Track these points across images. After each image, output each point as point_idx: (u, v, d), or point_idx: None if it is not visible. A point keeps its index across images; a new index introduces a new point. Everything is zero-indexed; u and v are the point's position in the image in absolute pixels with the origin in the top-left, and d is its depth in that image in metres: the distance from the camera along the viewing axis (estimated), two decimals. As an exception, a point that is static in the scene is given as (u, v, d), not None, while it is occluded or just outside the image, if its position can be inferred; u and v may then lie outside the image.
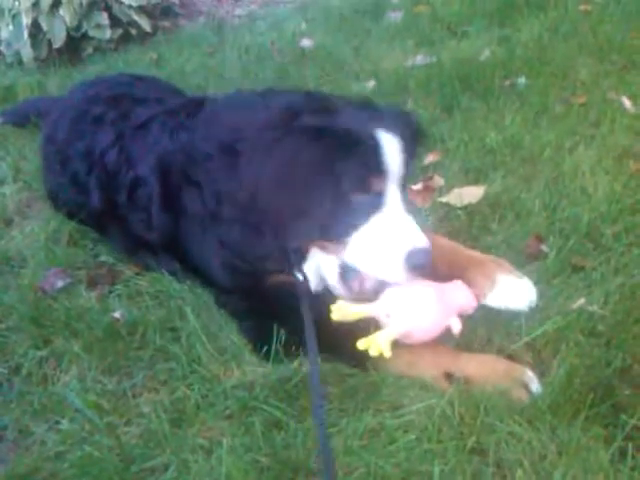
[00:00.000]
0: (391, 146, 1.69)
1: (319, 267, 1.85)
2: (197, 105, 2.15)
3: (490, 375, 1.61)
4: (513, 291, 1.84)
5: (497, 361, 1.67)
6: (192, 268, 2.05)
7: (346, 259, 1.74)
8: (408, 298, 1.68)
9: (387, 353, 1.58)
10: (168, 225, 2.03)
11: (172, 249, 2.06)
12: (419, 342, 1.67)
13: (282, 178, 1.66)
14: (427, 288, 1.70)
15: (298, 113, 1.72)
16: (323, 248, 1.79)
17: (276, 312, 1.80)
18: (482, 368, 1.63)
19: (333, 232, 1.71)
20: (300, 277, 1.79)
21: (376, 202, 1.69)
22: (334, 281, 1.82)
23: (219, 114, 2.00)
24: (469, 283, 1.78)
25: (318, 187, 1.65)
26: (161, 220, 2.04)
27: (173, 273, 2.11)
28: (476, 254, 1.97)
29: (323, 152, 1.65)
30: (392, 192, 1.70)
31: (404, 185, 1.74)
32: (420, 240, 1.64)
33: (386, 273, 1.68)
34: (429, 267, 1.67)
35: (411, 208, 1.75)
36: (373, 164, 1.67)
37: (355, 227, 1.69)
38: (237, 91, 2.29)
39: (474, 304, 1.74)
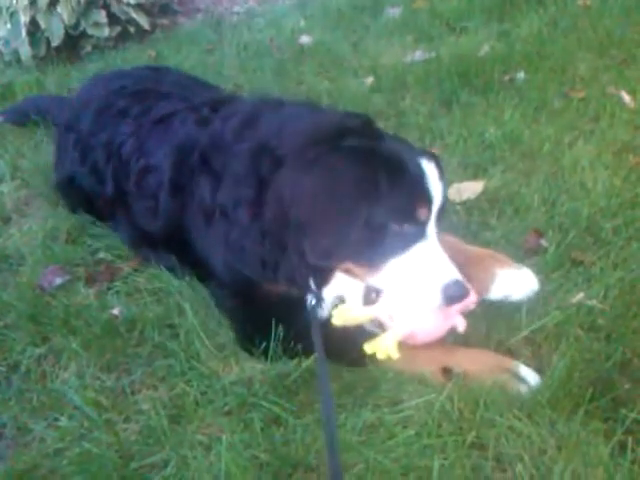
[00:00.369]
0: (434, 175, 1.65)
1: (338, 290, 1.77)
2: (221, 102, 2.14)
3: (483, 369, 1.62)
4: (514, 282, 1.85)
5: (490, 355, 1.68)
6: (191, 259, 2.02)
7: (373, 283, 1.67)
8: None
9: (395, 355, 1.57)
10: (175, 209, 1.99)
11: (174, 238, 2.03)
12: (423, 343, 1.65)
13: (323, 195, 1.61)
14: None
15: (344, 132, 1.68)
16: (349, 272, 1.70)
17: (275, 312, 1.77)
18: (475, 362, 1.64)
19: (367, 258, 1.64)
20: (314, 299, 1.72)
21: (419, 232, 1.63)
22: (355, 303, 1.74)
23: (258, 114, 1.92)
24: (469, 279, 1.76)
25: (360, 211, 1.59)
26: (169, 204, 2.01)
27: (171, 269, 2.10)
28: (475, 249, 1.97)
29: (369, 175, 1.60)
30: (432, 223, 1.65)
31: (441, 216, 1.69)
32: (455, 273, 1.61)
33: (421, 301, 1.61)
34: (465, 298, 1.63)
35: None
36: (420, 194, 1.62)
37: (392, 255, 1.62)
38: (275, 98, 2.11)
39: (475, 300, 1.73)
